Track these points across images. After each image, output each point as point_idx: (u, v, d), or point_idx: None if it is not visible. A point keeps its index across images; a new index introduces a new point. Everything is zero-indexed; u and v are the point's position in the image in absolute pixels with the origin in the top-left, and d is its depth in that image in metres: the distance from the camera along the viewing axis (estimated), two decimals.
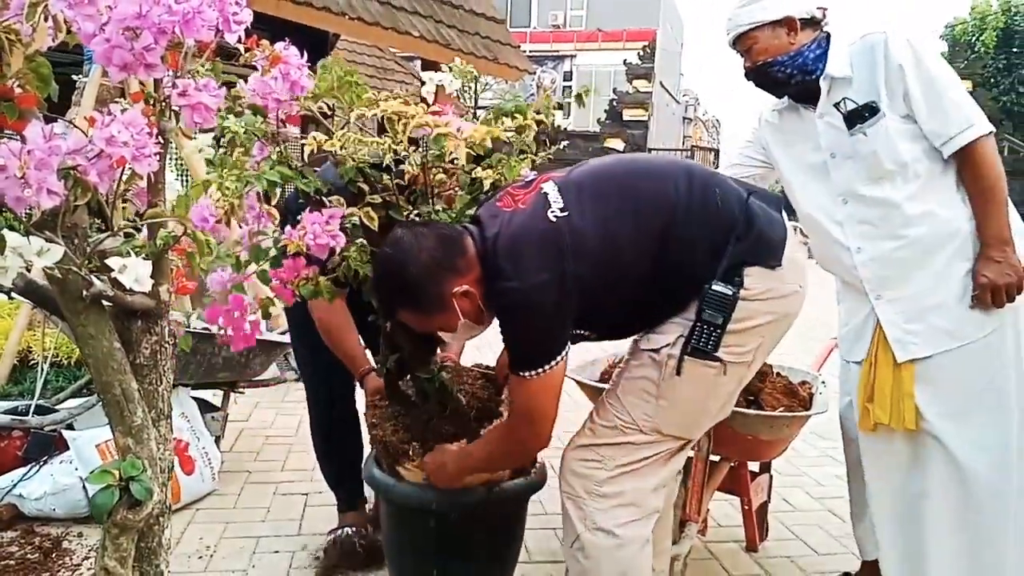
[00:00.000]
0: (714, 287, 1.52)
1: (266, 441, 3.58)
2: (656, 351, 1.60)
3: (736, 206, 1.57)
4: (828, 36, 1.96)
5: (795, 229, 1.69)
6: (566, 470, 1.70)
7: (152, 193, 1.13)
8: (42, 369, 3.10)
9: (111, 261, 1.00)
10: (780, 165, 2.12)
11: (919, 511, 1.92)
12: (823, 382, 2.45)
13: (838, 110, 1.91)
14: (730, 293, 1.52)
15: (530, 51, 19.26)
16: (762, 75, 1.99)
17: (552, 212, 1.52)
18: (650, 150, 18.69)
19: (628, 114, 18.52)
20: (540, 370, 1.52)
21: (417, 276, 1.52)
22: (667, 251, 1.54)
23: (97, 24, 0.98)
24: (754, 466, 2.53)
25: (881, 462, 1.99)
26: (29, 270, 0.96)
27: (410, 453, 1.87)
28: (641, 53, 19.49)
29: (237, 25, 1.20)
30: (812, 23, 1.95)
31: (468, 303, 1.56)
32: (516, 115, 1.78)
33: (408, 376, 1.97)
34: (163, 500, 1.14)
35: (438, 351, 1.95)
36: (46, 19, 1.00)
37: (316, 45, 7.64)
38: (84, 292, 1.03)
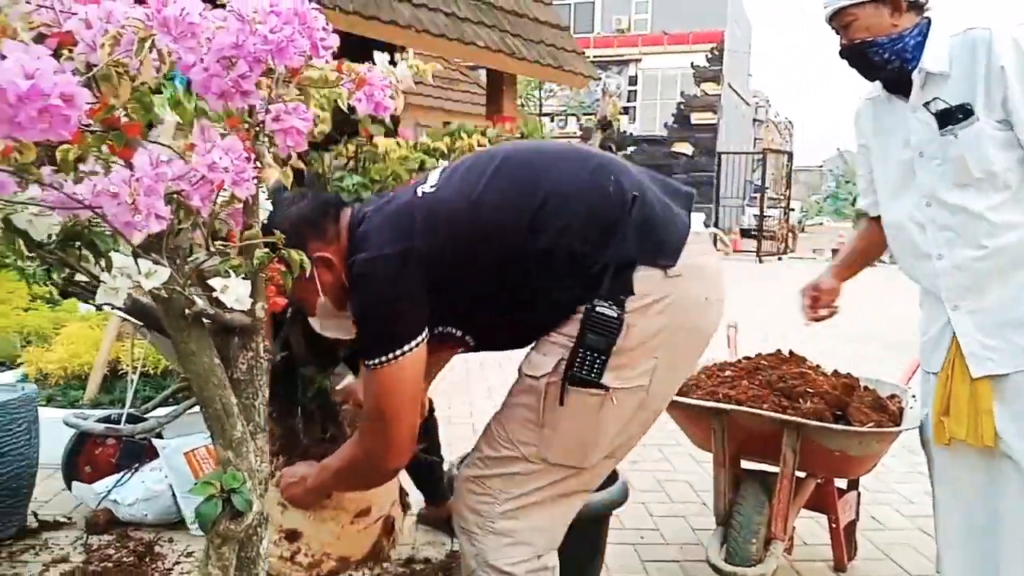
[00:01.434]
0: (598, 308, 1.37)
1: None
2: (536, 378, 1.46)
3: (631, 194, 1.42)
4: (929, 22, 1.84)
5: (712, 236, 1.59)
6: (459, 502, 1.59)
7: (248, 214, 1.17)
8: (132, 380, 3.22)
9: (214, 281, 1.03)
10: (873, 160, 2.01)
11: (991, 534, 1.83)
12: (913, 395, 2.36)
13: (928, 109, 1.81)
14: (615, 315, 1.37)
15: (594, 56, 19.22)
16: (858, 55, 1.87)
17: (422, 188, 1.47)
18: (719, 154, 18.40)
19: (696, 117, 18.30)
20: (386, 358, 1.39)
21: (279, 228, 1.44)
22: (544, 230, 1.40)
23: (198, 55, 1.02)
24: (841, 483, 2.46)
25: (952, 476, 1.91)
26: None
27: (271, 470, 1.66)
28: (709, 55, 19.21)
29: (325, 50, 1.24)
30: (916, 6, 1.84)
31: (329, 275, 1.48)
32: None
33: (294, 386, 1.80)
34: (261, 511, 1.18)
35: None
36: (150, 51, 1.04)
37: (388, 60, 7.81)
38: (187, 311, 1.07)
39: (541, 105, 22.63)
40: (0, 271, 5.16)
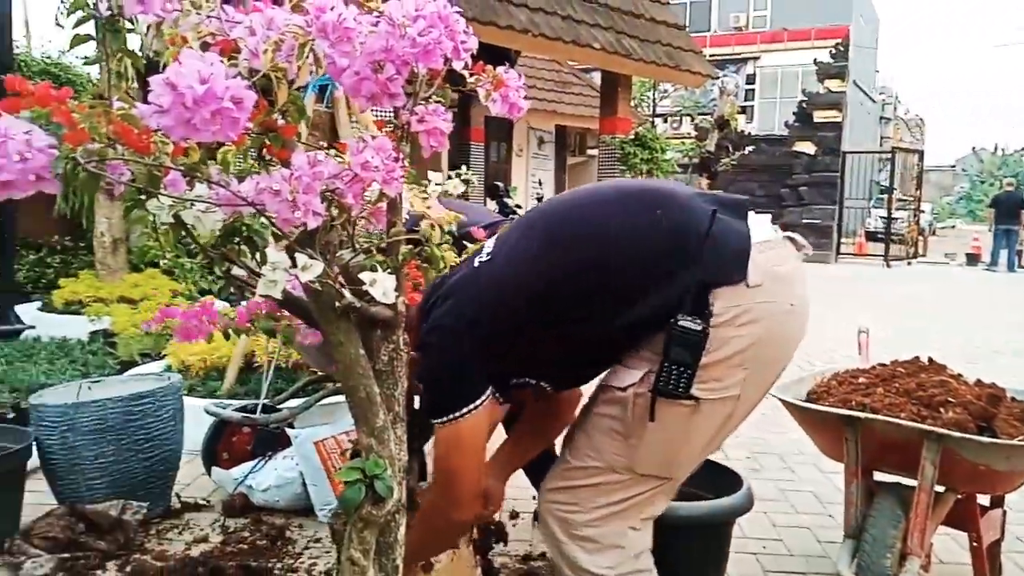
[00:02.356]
0: (681, 322, 1.37)
1: None
2: (622, 389, 1.47)
3: (686, 224, 1.43)
4: None
5: (785, 238, 1.51)
6: (544, 511, 1.60)
7: (392, 212, 1.22)
8: (267, 372, 3.40)
9: (364, 275, 1.08)
10: None
11: None
12: None
13: None
14: (699, 328, 1.36)
15: (711, 55, 18.77)
16: None
17: (480, 258, 1.49)
18: (844, 153, 17.59)
19: (819, 116, 17.53)
20: (447, 418, 1.45)
21: None
22: (608, 281, 1.43)
23: (352, 60, 1.07)
24: (984, 499, 2.30)
25: None
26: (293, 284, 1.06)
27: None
28: (833, 51, 18.39)
29: (465, 52, 1.27)
30: None
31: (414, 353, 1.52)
32: None
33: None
34: (400, 498, 1.22)
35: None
36: (307, 57, 1.10)
37: (499, 63, 7.94)
38: (337, 303, 1.12)
39: (655, 106, 22.32)
40: (152, 269, 5.58)
